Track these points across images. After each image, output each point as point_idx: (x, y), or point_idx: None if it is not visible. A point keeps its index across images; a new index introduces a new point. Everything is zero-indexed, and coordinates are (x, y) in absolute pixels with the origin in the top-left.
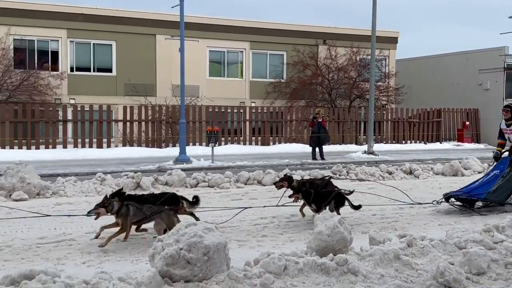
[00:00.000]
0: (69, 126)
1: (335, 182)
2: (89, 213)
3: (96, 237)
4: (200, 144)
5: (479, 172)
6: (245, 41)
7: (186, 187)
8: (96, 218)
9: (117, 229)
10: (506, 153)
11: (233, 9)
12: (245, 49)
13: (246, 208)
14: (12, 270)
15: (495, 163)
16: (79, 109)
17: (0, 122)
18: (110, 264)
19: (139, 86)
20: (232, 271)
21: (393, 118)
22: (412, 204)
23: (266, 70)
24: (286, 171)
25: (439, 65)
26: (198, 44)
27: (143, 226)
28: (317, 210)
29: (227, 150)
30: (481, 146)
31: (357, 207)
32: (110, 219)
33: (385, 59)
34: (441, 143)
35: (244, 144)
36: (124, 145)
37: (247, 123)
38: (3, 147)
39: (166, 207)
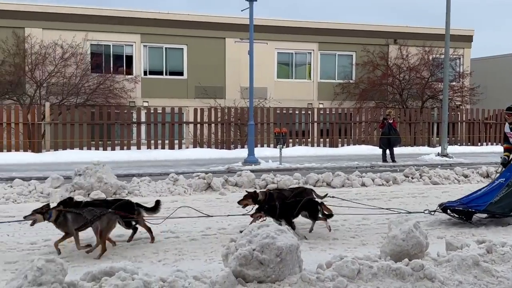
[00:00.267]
0: (143, 128)
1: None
2: (25, 218)
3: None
4: (268, 146)
5: None
6: (314, 42)
7: (256, 188)
8: (32, 224)
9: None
10: None
11: (301, 11)
12: (313, 50)
13: (209, 216)
14: (92, 266)
15: (502, 170)
16: (152, 111)
17: (78, 124)
18: (184, 263)
19: (209, 89)
20: (304, 273)
21: (468, 119)
22: (400, 213)
23: (334, 71)
24: (356, 174)
25: None
26: (267, 46)
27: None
28: (289, 224)
29: (295, 151)
30: None
31: (329, 216)
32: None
33: (459, 58)
34: None
35: (312, 145)
36: (194, 146)
37: (315, 124)
38: (81, 148)
39: (110, 210)
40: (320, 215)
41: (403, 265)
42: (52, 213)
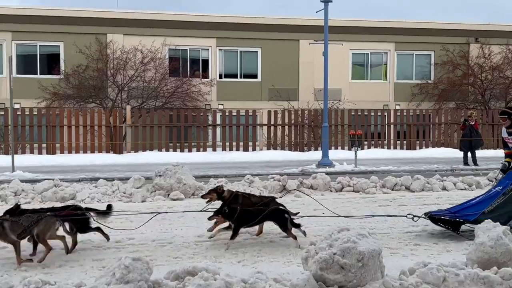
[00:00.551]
0: (218, 130)
1: None
2: None
3: None
4: (342, 148)
5: None
6: (390, 42)
7: (331, 191)
8: None
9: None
10: None
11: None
12: (389, 50)
13: (159, 213)
14: (175, 265)
15: (502, 177)
16: (227, 114)
17: (157, 126)
18: (263, 265)
19: (282, 91)
20: (387, 279)
21: None
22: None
23: (412, 71)
24: (436, 177)
25: None
26: (341, 47)
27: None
28: (235, 230)
29: (370, 154)
30: None
31: (297, 226)
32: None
33: None
34: None
35: (388, 148)
36: (268, 148)
37: (391, 126)
38: (160, 150)
39: (48, 213)
40: (289, 226)
41: (491, 273)
42: None
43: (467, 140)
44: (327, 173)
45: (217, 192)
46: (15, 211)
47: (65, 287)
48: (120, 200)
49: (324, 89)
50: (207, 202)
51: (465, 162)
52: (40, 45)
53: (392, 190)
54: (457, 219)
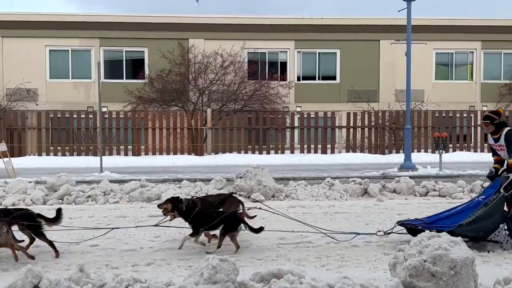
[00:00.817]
0: (296, 132)
1: None
2: None
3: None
4: (425, 151)
5: None
6: (476, 40)
7: (415, 195)
8: None
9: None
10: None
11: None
12: (475, 49)
13: (114, 228)
14: (259, 267)
15: (488, 184)
16: (305, 116)
17: (236, 129)
18: (348, 270)
19: (361, 92)
20: None
21: None
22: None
23: (500, 71)
24: None
25: None
26: (424, 47)
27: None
28: (193, 232)
29: (456, 157)
30: None
31: (257, 230)
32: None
33: None
34: None
35: (475, 151)
36: (347, 151)
37: (478, 128)
38: (239, 152)
39: None
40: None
41: None
42: None
43: None
44: (410, 177)
45: (173, 203)
46: None
47: (155, 286)
48: None
49: (406, 90)
50: (162, 212)
51: None
52: (126, 51)
53: None
54: (431, 230)
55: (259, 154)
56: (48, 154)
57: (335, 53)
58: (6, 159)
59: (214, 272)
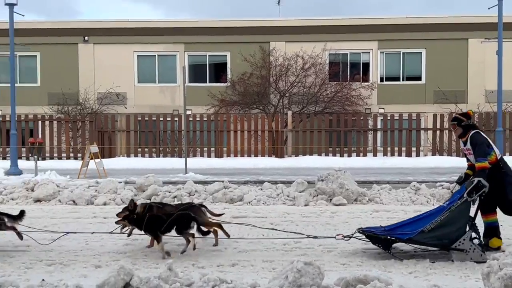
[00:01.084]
0: (379, 134)
1: None
2: None
3: None
4: None
5: None
6: None
7: None
8: None
9: None
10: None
11: None
12: None
13: (69, 232)
14: (343, 272)
15: (457, 189)
16: (388, 118)
17: (317, 131)
18: (437, 278)
19: (448, 93)
20: None
21: None
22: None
23: None
24: None
25: None
26: None
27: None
28: (155, 237)
29: None
30: None
31: (205, 233)
32: None
33: None
34: None
35: None
36: (433, 154)
37: None
38: (319, 154)
39: None
40: (191, 232)
41: None
42: None
43: None
44: None
45: (130, 211)
46: None
47: (240, 286)
48: (284, 203)
49: (497, 90)
50: (117, 223)
51: None
52: (209, 55)
53: None
54: (388, 237)
55: (340, 156)
56: (136, 156)
57: (420, 53)
58: (97, 160)
59: (299, 275)
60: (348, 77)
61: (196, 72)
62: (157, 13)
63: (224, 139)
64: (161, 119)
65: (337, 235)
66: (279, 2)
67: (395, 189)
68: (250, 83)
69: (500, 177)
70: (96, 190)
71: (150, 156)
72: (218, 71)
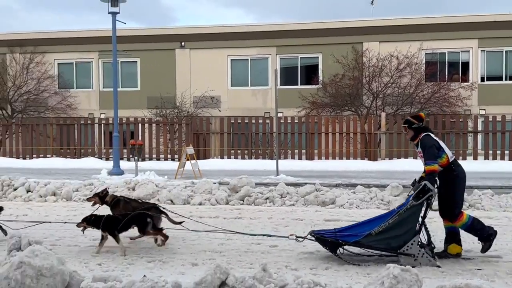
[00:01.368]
0: (479, 137)
1: None
2: None
3: None
4: None
5: None
6: None
7: None
8: None
9: None
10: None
11: None
12: None
13: (43, 222)
14: (442, 280)
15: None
16: (490, 119)
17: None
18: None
19: None
20: None
21: None
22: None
23: None
24: None
25: None
26: None
27: None
28: (113, 237)
29: None
30: None
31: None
32: None
33: None
34: None
35: None
36: None
37: None
38: (415, 158)
39: None
40: (150, 230)
41: None
42: None
43: None
44: None
45: (100, 197)
46: None
47: None
48: (378, 207)
49: None
50: (92, 205)
51: None
52: (300, 57)
53: None
54: (336, 239)
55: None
56: (229, 157)
57: None
58: (193, 161)
59: (395, 282)
60: (446, 77)
61: (288, 75)
62: (249, 17)
63: (315, 141)
64: (253, 121)
65: (291, 234)
66: (372, 2)
67: (497, 194)
68: (342, 84)
69: (451, 179)
70: (192, 190)
71: (243, 157)
72: (309, 73)
